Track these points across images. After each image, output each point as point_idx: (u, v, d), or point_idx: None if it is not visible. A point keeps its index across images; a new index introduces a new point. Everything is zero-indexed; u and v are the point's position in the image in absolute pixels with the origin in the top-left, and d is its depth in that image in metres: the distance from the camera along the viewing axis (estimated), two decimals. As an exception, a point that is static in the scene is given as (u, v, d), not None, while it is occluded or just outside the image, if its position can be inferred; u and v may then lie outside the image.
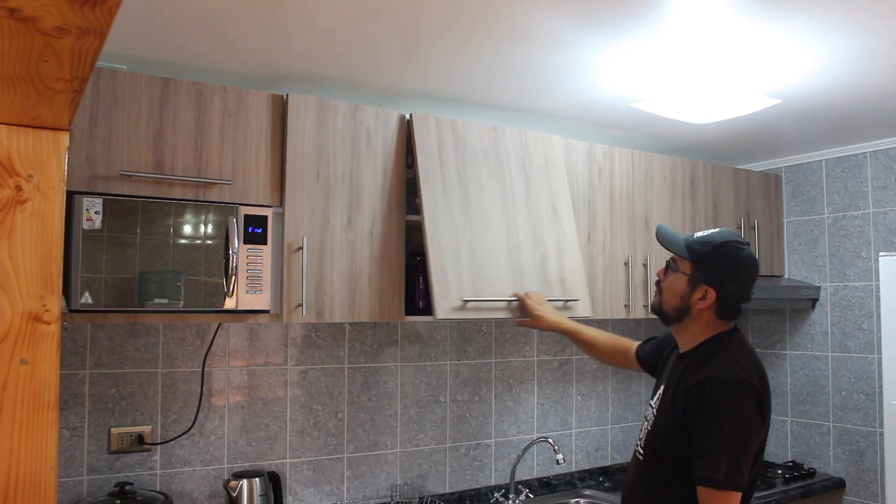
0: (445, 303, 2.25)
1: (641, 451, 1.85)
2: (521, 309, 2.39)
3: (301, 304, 2.17)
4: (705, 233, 1.83)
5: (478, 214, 2.43)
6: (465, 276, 2.32)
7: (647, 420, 1.88)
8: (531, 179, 2.58)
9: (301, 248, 2.19)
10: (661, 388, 1.86)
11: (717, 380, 1.66)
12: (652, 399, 1.90)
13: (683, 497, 1.66)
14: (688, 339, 1.83)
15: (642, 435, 1.88)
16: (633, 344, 2.26)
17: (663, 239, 1.88)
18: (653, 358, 2.12)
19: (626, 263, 2.91)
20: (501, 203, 2.49)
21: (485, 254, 2.39)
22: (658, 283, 1.90)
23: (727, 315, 1.79)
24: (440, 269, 2.28)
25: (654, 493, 1.81)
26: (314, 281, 2.22)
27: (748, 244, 1.80)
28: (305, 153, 2.24)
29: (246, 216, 2.09)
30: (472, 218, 2.41)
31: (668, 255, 1.91)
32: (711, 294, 1.75)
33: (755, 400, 1.66)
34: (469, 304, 2.29)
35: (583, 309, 2.55)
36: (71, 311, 1.85)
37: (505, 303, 2.38)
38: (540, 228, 2.54)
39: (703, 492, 1.62)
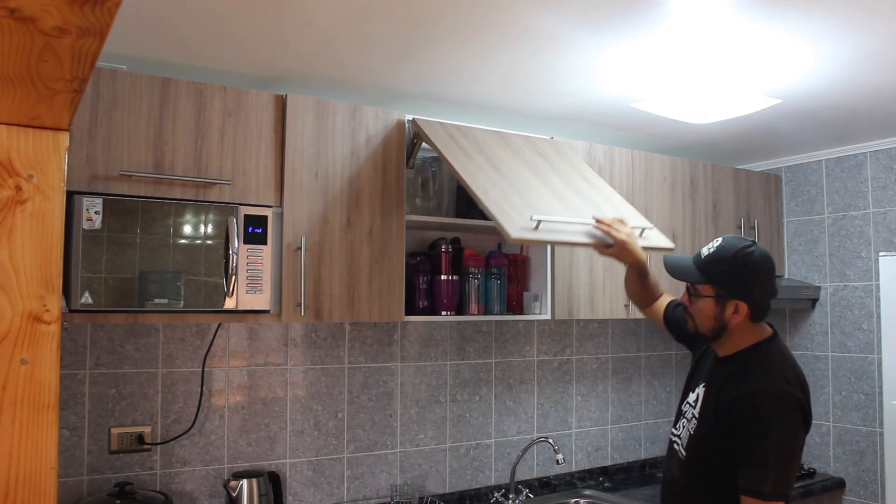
0: (514, 223, 2.05)
1: (683, 452, 1.86)
2: (595, 237, 2.18)
3: (300, 304, 2.18)
4: (711, 248, 1.80)
5: (513, 176, 2.33)
6: (524, 211, 2.13)
7: (685, 418, 1.88)
8: (552, 161, 2.56)
9: (300, 248, 2.20)
10: (701, 389, 1.86)
11: (762, 394, 1.67)
12: (689, 396, 1.90)
13: (725, 498, 1.69)
14: (728, 347, 1.82)
15: (681, 433, 1.88)
16: (664, 300, 2.22)
17: (673, 271, 1.85)
18: (683, 330, 2.02)
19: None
20: (532, 172, 2.42)
21: (535, 199, 2.24)
22: (685, 308, 1.87)
23: (761, 317, 1.79)
24: (496, 204, 2.11)
25: (696, 493, 1.83)
26: (312, 281, 2.22)
27: (754, 242, 1.79)
28: (304, 153, 2.24)
29: (246, 216, 2.09)
30: (507, 178, 2.30)
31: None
32: (743, 306, 1.74)
33: (800, 412, 1.68)
34: (542, 226, 2.08)
35: (659, 239, 2.36)
36: (71, 311, 1.85)
37: (582, 226, 2.17)
38: (581, 190, 2.45)
39: (748, 502, 1.64)
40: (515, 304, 2.83)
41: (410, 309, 2.52)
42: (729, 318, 1.76)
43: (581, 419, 3.26)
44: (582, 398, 3.27)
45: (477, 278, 2.67)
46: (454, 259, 2.64)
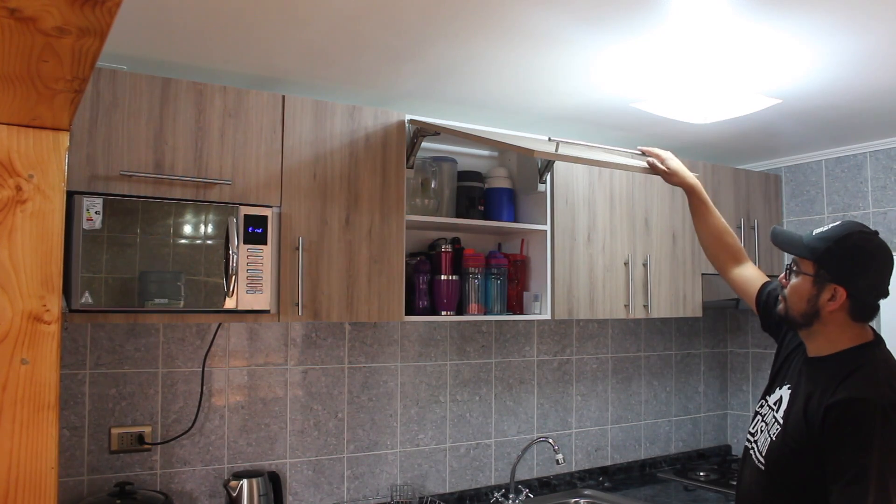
0: (535, 146, 2.11)
1: (763, 461, 1.70)
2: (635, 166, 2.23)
3: (297, 304, 2.18)
4: (826, 227, 1.66)
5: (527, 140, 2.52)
6: (541, 141, 2.30)
7: (765, 422, 1.74)
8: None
9: (297, 248, 2.20)
10: (786, 391, 1.71)
11: (865, 402, 1.51)
12: (770, 396, 1.77)
13: None
14: (821, 344, 1.66)
15: (760, 440, 1.73)
16: (754, 275, 2.00)
17: (780, 240, 1.72)
18: (770, 316, 1.88)
19: (626, 263, 2.91)
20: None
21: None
22: (782, 289, 1.72)
23: (863, 316, 1.63)
24: (514, 139, 2.26)
25: None
26: (310, 281, 2.22)
27: (876, 234, 1.64)
28: (302, 155, 2.24)
29: (246, 216, 2.09)
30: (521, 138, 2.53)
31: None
32: (841, 293, 1.58)
33: None
34: (562, 148, 2.14)
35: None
36: (71, 311, 1.85)
37: (611, 154, 2.19)
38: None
39: None
40: (515, 304, 2.83)
41: (410, 309, 2.52)
42: (823, 305, 1.60)
43: (581, 419, 3.26)
44: (582, 398, 3.27)
45: (477, 278, 2.67)
46: (454, 259, 2.64)
